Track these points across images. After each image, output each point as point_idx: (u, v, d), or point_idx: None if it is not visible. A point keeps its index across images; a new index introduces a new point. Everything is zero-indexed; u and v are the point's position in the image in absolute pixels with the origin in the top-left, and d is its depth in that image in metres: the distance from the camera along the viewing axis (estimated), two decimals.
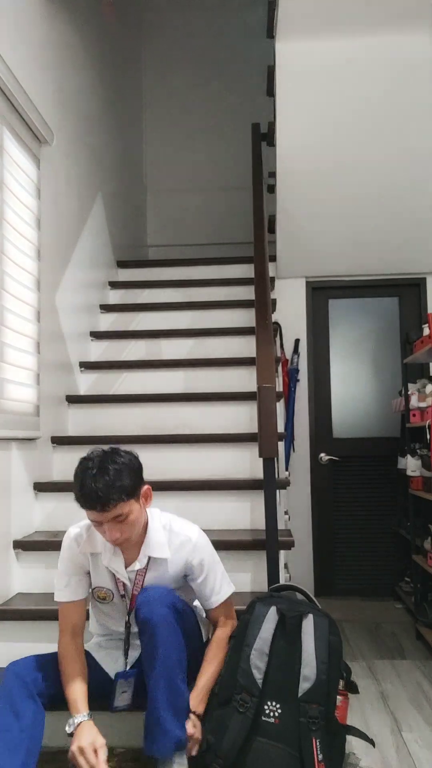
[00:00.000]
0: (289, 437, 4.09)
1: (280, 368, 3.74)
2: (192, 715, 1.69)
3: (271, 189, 3.74)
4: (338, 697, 1.74)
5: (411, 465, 3.38)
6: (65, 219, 3.11)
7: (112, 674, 1.86)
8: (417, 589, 3.36)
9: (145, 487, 1.78)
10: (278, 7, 2.80)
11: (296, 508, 4.07)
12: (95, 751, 1.60)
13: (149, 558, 1.82)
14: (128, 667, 1.87)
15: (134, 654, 1.88)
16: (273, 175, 3.62)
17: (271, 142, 3.59)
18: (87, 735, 1.63)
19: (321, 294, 4.35)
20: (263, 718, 1.68)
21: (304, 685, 1.68)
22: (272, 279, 3.93)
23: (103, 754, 1.61)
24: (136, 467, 1.73)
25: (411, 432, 3.55)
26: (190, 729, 1.66)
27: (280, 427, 3.04)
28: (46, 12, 2.86)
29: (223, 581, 1.89)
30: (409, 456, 3.42)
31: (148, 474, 1.82)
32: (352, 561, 4.12)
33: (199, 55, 5.36)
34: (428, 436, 3.15)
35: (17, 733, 1.57)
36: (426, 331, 3.27)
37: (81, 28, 3.44)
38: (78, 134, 3.33)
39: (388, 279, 4.28)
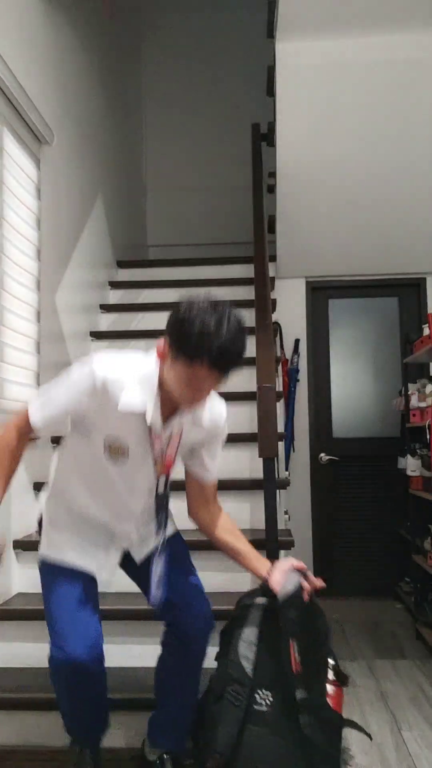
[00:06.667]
0: (289, 437, 4.08)
1: (280, 368, 3.74)
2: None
3: (271, 189, 3.74)
4: (329, 686, 1.73)
5: (411, 465, 3.38)
6: (65, 219, 3.12)
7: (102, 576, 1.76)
8: (417, 589, 3.36)
9: None
10: (278, 7, 2.80)
11: (296, 508, 4.06)
12: None
13: (192, 418, 1.65)
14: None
15: (147, 547, 1.79)
16: (273, 175, 3.62)
17: (271, 142, 3.59)
18: None
19: (321, 294, 4.35)
20: (255, 707, 1.66)
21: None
22: (272, 279, 3.92)
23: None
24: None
25: (411, 432, 3.55)
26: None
27: (280, 427, 3.04)
28: (47, 12, 2.86)
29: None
30: (409, 456, 3.42)
31: None
32: (352, 561, 4.12)
33: (199, 55, 5.35)
34: (428, 436, 3.15)
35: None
36: (426, 331, 3.28)
37: (81, 29, 3.44)
38: (78, 134, 3.33)
39: (388, 279, 4.27)
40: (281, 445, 3.15)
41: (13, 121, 2.50)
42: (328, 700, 1.69)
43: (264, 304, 2.75)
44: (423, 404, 3.34)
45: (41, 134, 2.72)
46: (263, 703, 1.67)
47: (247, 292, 3.86)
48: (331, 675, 1.76)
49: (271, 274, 3.50)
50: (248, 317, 3.89)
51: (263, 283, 2.91)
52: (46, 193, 2.82)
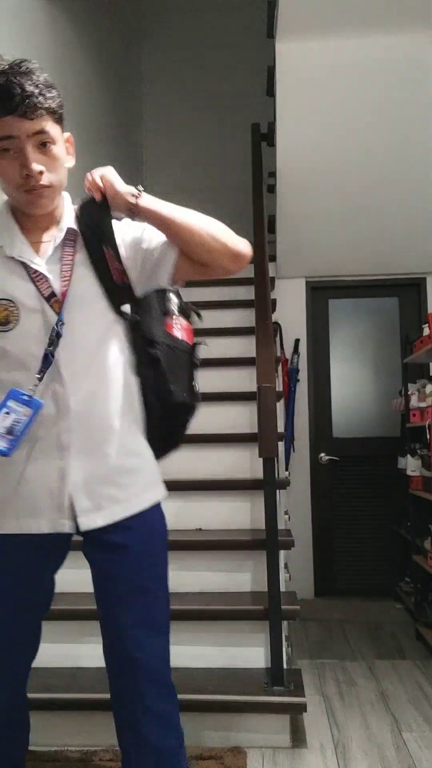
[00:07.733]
0: (289, 437, 4.08)
1: (280, 368, 3.73)
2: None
3: (271, 189, 3.74)
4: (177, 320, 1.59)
5: (411, 465, 3.38)
6: None
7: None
8: (417, 589, 3.36)
9: (68, 134, 1.40)
10: (278, 7, 2.80)
11: (296, 508, 4.06)
12: None
13: (67, 231, 1.35)
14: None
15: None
16: (273, 175, 3.62)
17: (271, 142, 3.59)
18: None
19: (321, 294, 4.35)
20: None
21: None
22: (272, 279, 3.92)
23: None
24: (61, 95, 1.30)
25: (411, 432, 3.55)
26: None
27: (280, 427, 3.04)
28: (47, 13, 2.86)
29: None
30: (409, 456, 3.42)
31: None
32: (352, 561, 4.12)
33: (199, 55, 5.35)
34: (428, 436, 3.15)
35: None
36: (426, 331, 3.27)
37: (82, 28, 3.44)
38: (78, 134, 3.33)
39: (388, 279, 4.28)
40: (281, 445, 3.15)
41: None
42: (178, 332, 1.55)
43: (264, 304, 2.76)
44: (423, 404, 3.34)
45: None
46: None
47: (247, 292, 3.86)
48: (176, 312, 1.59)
49: (271, 274, 3.50)
50: (248, 317, 3.91)
51: (263, 283, 2.91)
52: None
